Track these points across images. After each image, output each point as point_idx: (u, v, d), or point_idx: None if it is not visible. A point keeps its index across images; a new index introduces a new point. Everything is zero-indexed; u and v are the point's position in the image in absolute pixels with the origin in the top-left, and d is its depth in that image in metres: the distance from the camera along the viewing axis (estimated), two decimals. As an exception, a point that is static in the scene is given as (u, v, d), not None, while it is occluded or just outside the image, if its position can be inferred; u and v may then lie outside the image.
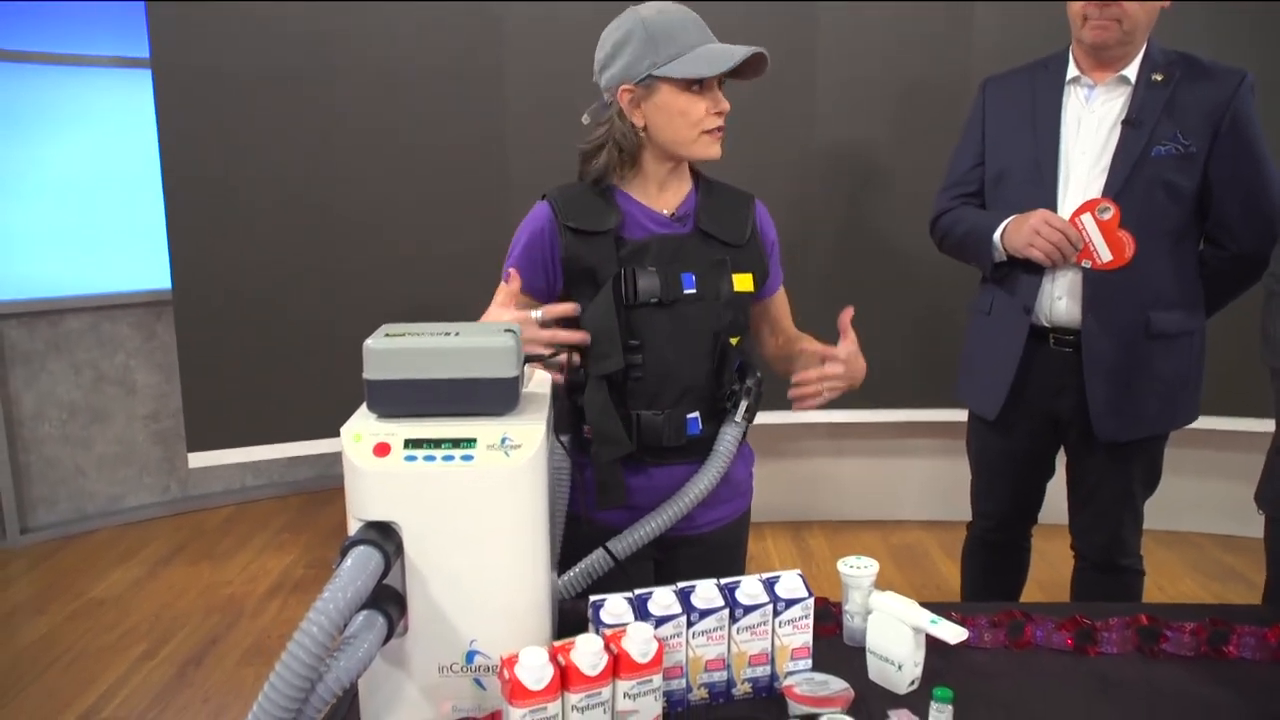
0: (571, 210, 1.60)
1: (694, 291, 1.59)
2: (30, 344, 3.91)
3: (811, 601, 1.30)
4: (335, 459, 4.42)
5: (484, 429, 1.16)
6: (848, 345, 1.63)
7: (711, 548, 1.73)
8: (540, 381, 1.36)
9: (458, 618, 1.17)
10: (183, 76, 3.08)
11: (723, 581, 1.30)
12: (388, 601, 1.14)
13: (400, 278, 3.35)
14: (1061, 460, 2.35)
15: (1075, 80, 2.13)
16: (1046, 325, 2.16)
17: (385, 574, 1.11)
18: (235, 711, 2.71)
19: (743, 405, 1.61)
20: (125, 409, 4.14)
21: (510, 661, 1.11)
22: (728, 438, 1.62)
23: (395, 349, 1.18)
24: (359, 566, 1.06)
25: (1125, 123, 2.05)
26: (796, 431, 4.00)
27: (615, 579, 1.56)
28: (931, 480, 4.09)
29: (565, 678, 1.11)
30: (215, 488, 4.36)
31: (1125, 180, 2.04)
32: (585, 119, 1.66)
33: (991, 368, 2.27)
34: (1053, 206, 2.10)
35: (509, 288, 1.55)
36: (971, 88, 2.41)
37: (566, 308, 1.56)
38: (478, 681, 1.19)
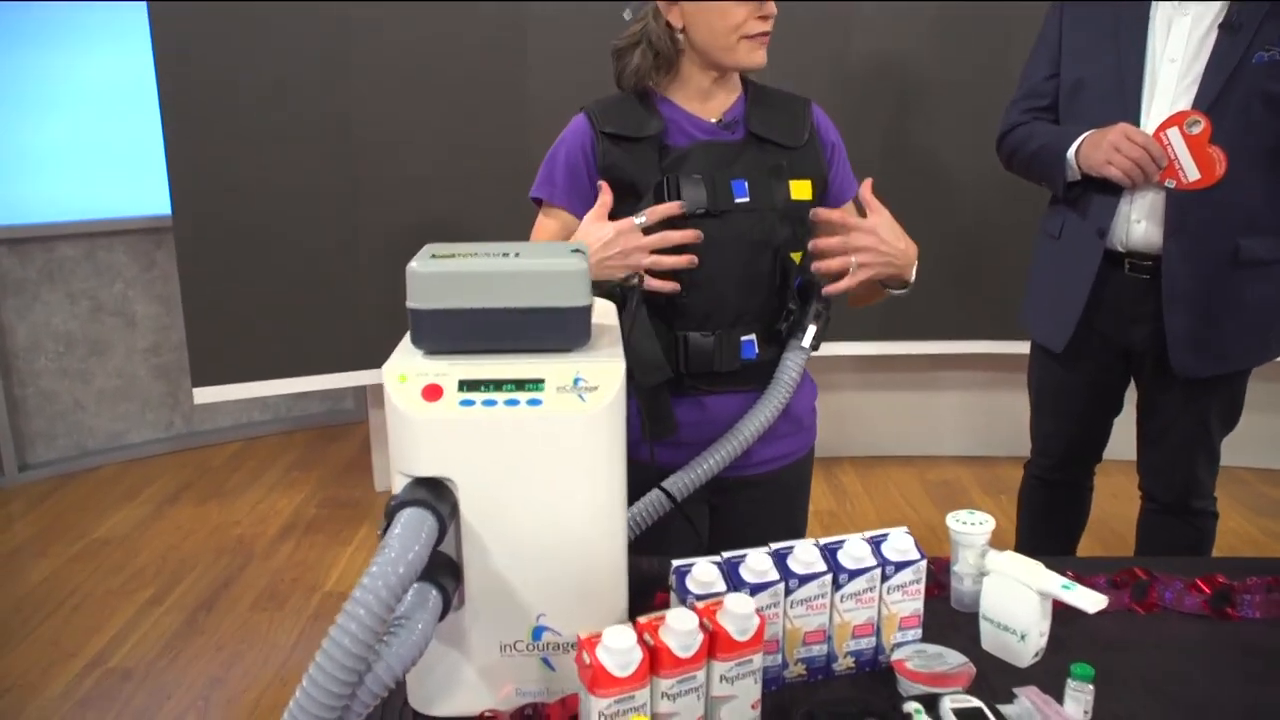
0: (609, 117, 1.47)
1: (746, 200, 1.43)
2: (23, 272, 3.71)
3: (924, 564, 1.13)
4: (344, 393, 4.28)
5: (553, 367, 0.97)
6: (877, 218, 1.42)
7: (773, 489, 1.59)
8: (605, 311, 1.17)
9: (523, 589, 1.00)
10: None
11: (822, 542, 1.12)
12: (441, 572, 0.97)
13: (417, 197, 3.12)
14: (1130, 396, 2.19)
15: None
16: (1121, 250, 1.98)
17: (440, 540, 0.93)
18: (250, 660, 2.57)
19: (810, 330, 1.45)
20: (125, 341, 3.95)
21: (590, 643, 0.94)
22: (790, 365, 1.46)
23: (446, 272, 0.99)
24: (411, 533, 0.89)
25: (1223, 26, 1.84)
26: (823, 363, 3.80)
27: (671, 523, 1.41)
28: (968, 414, 3.93)
29: (654, 661, 0.95)
30: (220, 423, 4.19)
31: (1220, 91, 1.84)
32: (626, 14, 1.49)
33: (1060, 296, 2.10)
34: (1135, 121, 1.92)
35: (601, 199, 1.41)
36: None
37: (671, 207, 1.39)
38: (546, 661, 1.03)
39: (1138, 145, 1.83)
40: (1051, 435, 2.29)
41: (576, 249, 1.05)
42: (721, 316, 1.46)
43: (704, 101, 1.49)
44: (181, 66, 2.88)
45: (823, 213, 1.43)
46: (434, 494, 0.94)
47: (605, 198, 1.41)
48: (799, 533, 1.68)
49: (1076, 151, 1.95)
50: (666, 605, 1.18)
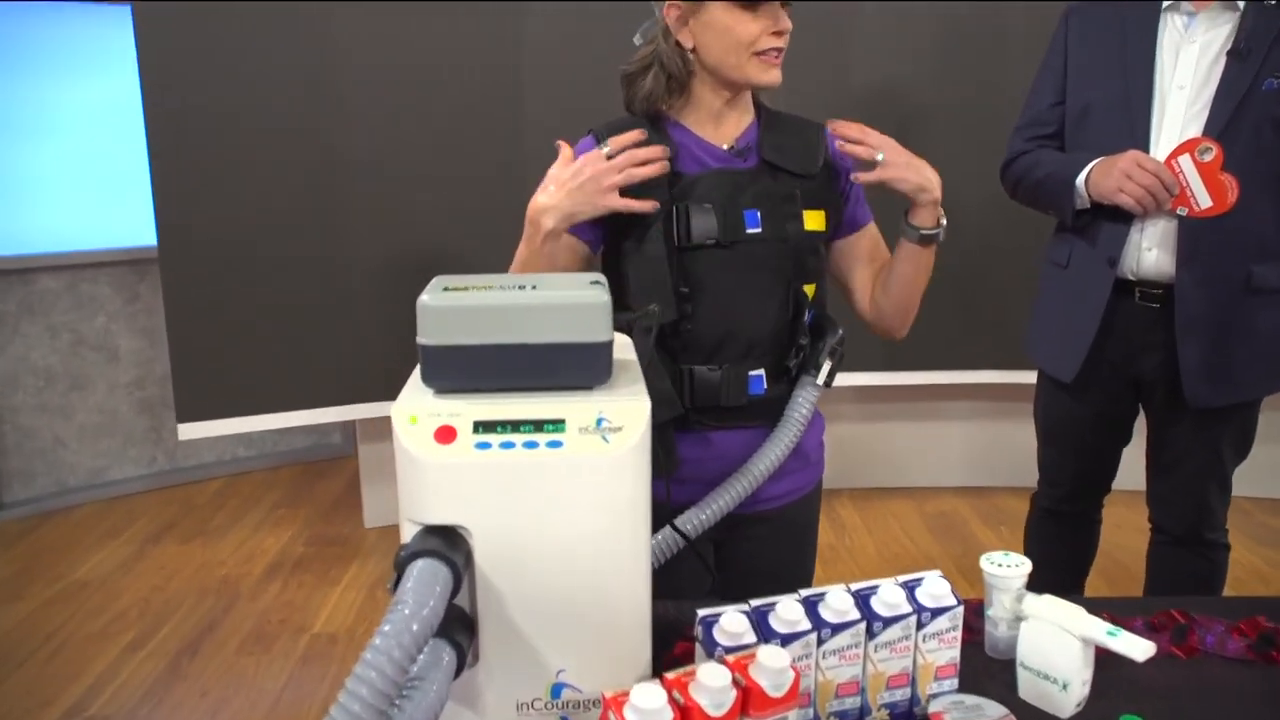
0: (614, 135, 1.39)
1: (759, 231, 1.39)
2: (2, 305, 3.63)
3: (961, 611, 1.07)
4: (332, 428, 4.20)
5: (574, 407, 0.92)
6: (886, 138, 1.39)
7: (780, 526, 1.54)
8: (624, 346, 1.12)
9: (541, 643, 0.93)
10: (165, 7, 2.78)
11: (854, 587, 1.06)
12: (455, 627, 0.90)
13: (409, 226, 3.07)
14: (1139, 426, 2.16)
15: (1173, 7, 1.90)
16: (1132, 279, 1.95)
17: (455, 593, 0.87)
18: (236, 706, 2.48)
19: (825, 366, 1.42)
20: (106, 376, 3.87)
21: (618, 703, 0.87)
22: (802, 402, 1.42)
23: (460, 306, 0.93)
24: (425, 588, 0.82)
25: (1231, 53, 1.82)
26: (824, 395, 3.78)
27: (680, 563, 1.36)
28: (967, 445, 3.89)
29: (685, 720, 0.88)
30: (204, 459, 4.11)
31: (1230, 118, 1.82)
32: (637, 39, 1.45)
33: (1069, 326, 2.06)
34: (1144, 148, 1.89)
35: (563, 152, 1.35)
36: (1021, 20, 2.16)
37: (635, 134, 1.33)
38: (565, 720, 0.96)
39: (1149, 173, 1.80)
40: (1060, 466, 2.25)
41: (596, 280, 0.99)
42: (730, 350, 1.41)
43: (716, 126, 1.44)
44: (167, 93, 2.82)
45: (841, 126, 1.39)
46: (447, 543, 0.88)
47: (567, 151, 1.35)
48: (808, 570, 1.62)
49: (1086, 179, 1.91)
50: (688, 656, 1.12)
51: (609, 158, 1.30)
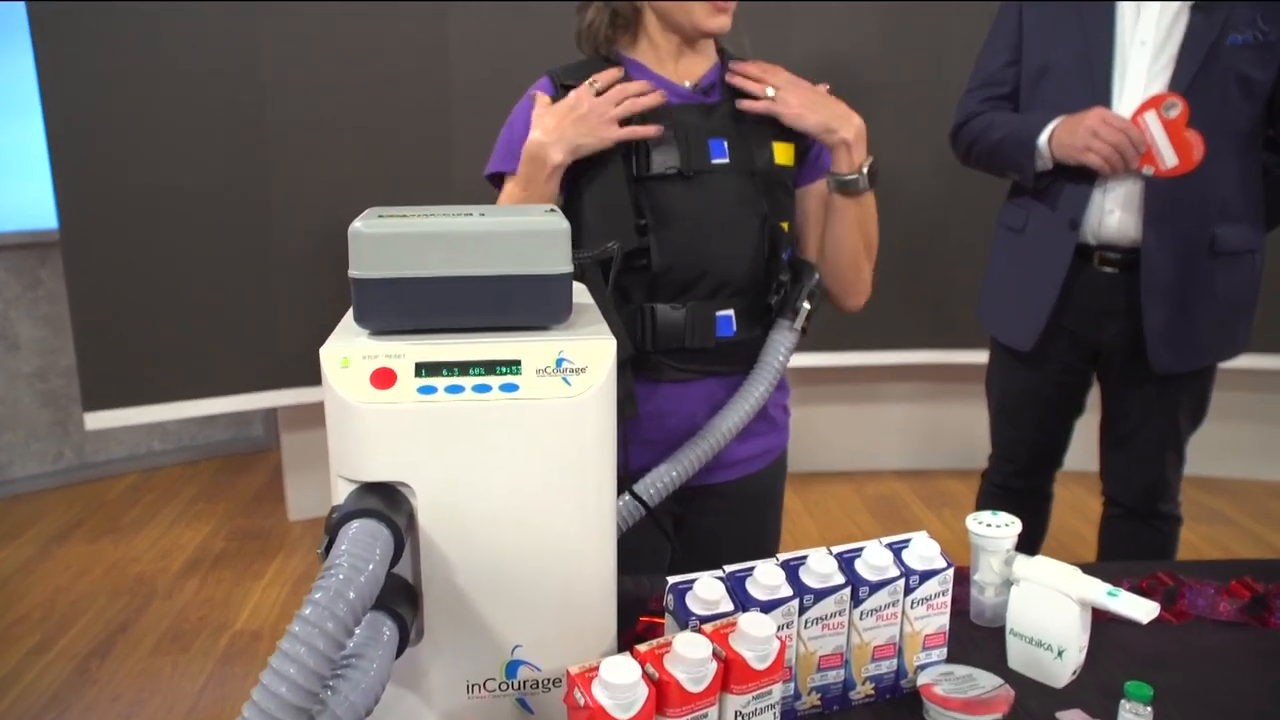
0: (572, 76, 1.32)
1: (725, 161, 1.30)
2: (-111, 292, 3.38)
3: (951, 572, 0.98)
4: (253, 418, 3.99)
5: (531, 346, 0.81)
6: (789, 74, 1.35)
7: (744, 498, 1.44)
8: (581, 290, 1.01)
9: (494, 616, 0.82)
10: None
11: (837, 550, 0.97)
12: (397, 598, 0.79)
13: (335, 201, 2.88)
14: (1091, 402, 2.12)
15: None
16: (1093, 243, 1.90)
17: (395, 560, 0.76)
18: (151, 709, 2.31)
19: (804, 310, 1.31)
20: (6, 366, 3.62)
21: (585, 679, 0.77)
22: (780, 346, 1.33)
23: (399, 234, 0.81)
24: (362, 551, 0.71)
25: (1195, 7, 1.78)
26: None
27: (635, 535, 1.24)
28: (906, 427, 3.84)
29: (661, 697, 0.78)
30: (116, 454, 3.87)
31: (1195, 74, 1.77)
32: None
33: (1027, 293, 2.00)
34: (1105, 105, 1.83)
35: (540, 98, 1.28)
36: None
37: (615, 72, 1.28)
38: (522, 702, 0.85)
39: (1117, 130, 1.74)
40: (1014, 440, 2.19)
41: (551, 209, 0.89)
42: (699, 289, 1.31)
43: (675, 63, 1.35)
44: (65, 60, 2.61)
45: (742, 65, 1.34)
46: (387, 503, 0.77)
47: (543, 97, 1.29)
48: (772, 550, 1.53)
49: (1049, 138, 1.85)
50: (652, 633, 1.02)
51: (598, 94, 1.24)
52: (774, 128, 1.33)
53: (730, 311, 1.32)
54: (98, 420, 2.81)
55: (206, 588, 2.91)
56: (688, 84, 1.35)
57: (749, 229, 1.32)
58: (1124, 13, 1.84)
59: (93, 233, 2.73)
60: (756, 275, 1.33)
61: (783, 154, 1.34)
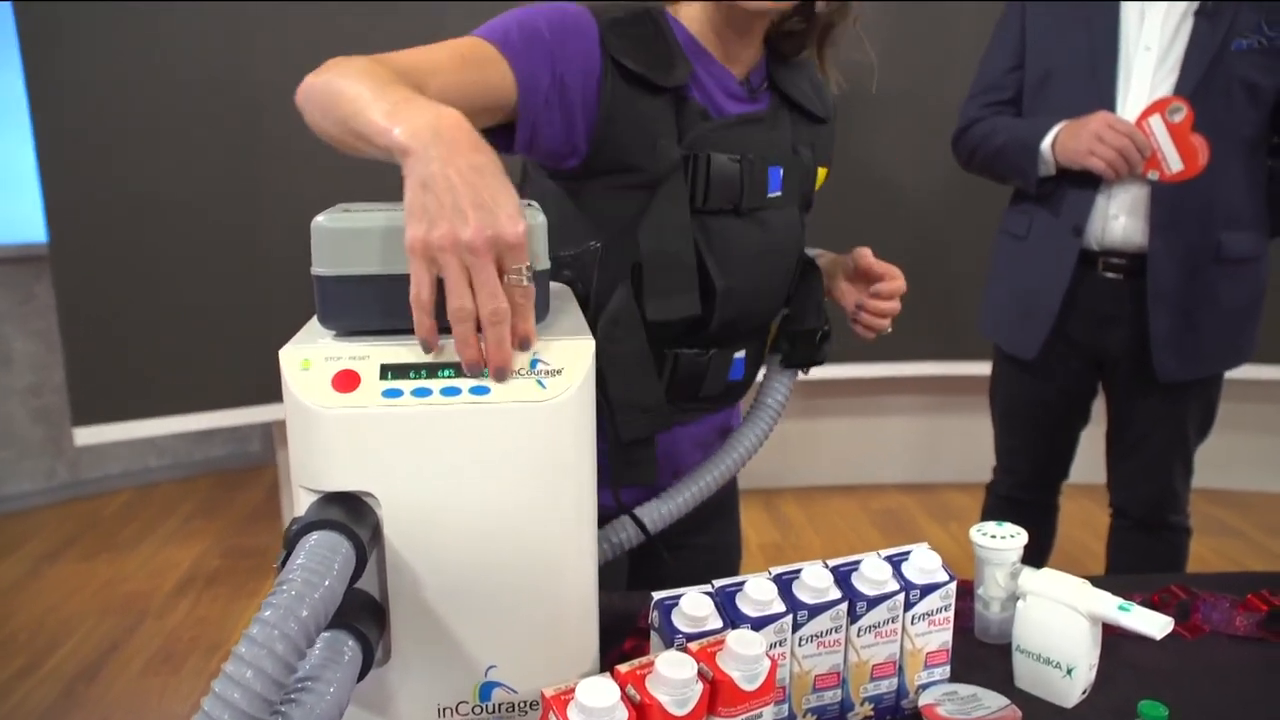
0: (624, 42, 1.03)
1: (778, 195, 1.13)
2: (-119, 309, 3.35)
3: (953, 586, 0.93)
4: (250, 433, 3.95)
5: (503, 347, 0.76)
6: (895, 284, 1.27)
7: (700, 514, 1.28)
8: (557, 292, 0.96)
9: (466, 634, 0.77)
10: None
11: (832, 563, 0.92)
12: (361, 615, 0.74)
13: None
14: (1098, 413, 2.08)
15: None
16: (1097, 249, 1.86)
17: (358, 574, 0.71)
18: (140, 731, 2.27)
19: (825, 349, 1.25)
20: None
21: (560, 702, 0.72)
22: (780, 388, 1.24)
23: (363, 229, 0.77)
24: (319, 564, 0.66)
25: (1199, 13, 1.75)
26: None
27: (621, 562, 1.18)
28: (910, 440, 3.79)
29: (642, 721, 0.73)
30: (110, 470, 3.83)
31: (1200, 79, 1.74)
32: None
33: (1030, 301, 1.97)
34: (1110, 110, 1.80)
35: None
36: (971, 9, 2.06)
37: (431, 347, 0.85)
38: (497, 727, 0.80)
39: (1122, 134, 1.72)
40: (1019, 451, 2.16)
41: (529, 203, 0.84)
42: (736, 337, 1.17)
43: (725, 50, 1.12)
44: (54, 68, 2.57)
45: (866, 259, 1.25)
46: (350, 514, 0.72)
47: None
48: (736, 562, 1.44)
49: (1053, 143, 1.82)
50: (638, 653, 0.97)
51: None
52: (819, 150, 1.21)
53: (744, 354, 1.19)
54: (88, 436, 2.76)
55: (200, 607, 2.87)
56: (738, 77, 1.14)
57: (788, 270, 1.19)
58: (1128, 17, 1.82)
59: (83, 245, 2.69)
60: (783, 316, 1.24)
61: (821, 178, 1.24)
